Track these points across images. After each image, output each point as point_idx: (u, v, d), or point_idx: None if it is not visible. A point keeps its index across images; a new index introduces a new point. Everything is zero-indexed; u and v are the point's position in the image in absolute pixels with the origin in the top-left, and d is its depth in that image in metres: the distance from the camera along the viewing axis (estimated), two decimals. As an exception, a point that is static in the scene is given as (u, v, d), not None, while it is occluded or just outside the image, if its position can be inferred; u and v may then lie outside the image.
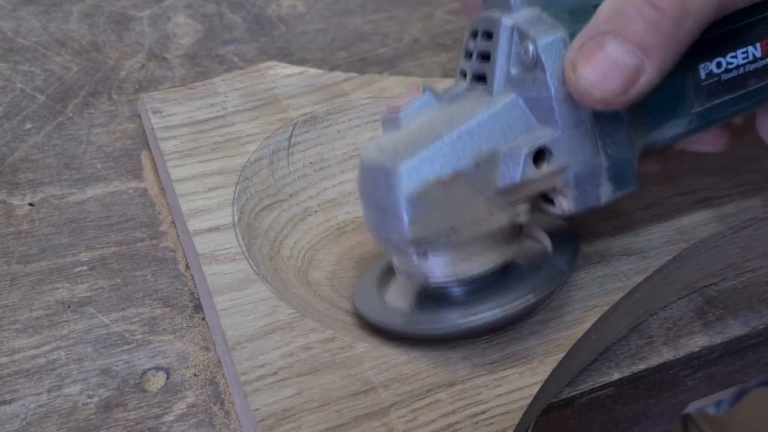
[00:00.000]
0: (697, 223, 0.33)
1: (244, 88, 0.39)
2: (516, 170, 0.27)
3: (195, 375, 0.31)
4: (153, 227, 0.36)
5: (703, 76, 0.28)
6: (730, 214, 0.34)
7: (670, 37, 0.24)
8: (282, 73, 0.40)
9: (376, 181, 0.27)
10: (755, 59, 0.28)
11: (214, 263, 0.31)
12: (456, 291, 0.29)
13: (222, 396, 0.30)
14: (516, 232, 0.30)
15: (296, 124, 0.37)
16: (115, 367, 0.31)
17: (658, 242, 0.33)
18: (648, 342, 0.33)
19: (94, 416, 0.29)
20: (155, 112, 0.37)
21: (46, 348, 0.31)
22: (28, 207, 0.37)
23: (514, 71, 0.27)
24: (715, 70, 0.28)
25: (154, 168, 0.39)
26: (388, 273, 0.32)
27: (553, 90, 0.26)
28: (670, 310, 0.35)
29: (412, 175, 0.26)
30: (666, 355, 0.33)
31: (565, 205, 0.28)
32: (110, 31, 0.48)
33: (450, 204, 0.27)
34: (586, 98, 0.25)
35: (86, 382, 0.30)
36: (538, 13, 0.27)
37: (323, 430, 0.26)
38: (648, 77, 0.24)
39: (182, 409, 0.30)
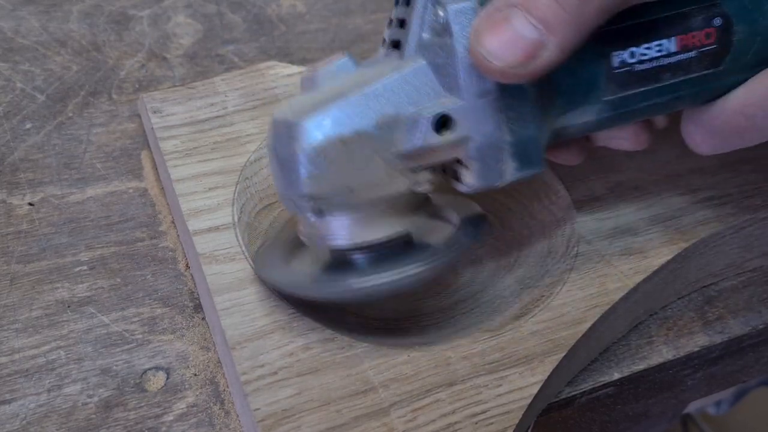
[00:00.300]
0: (697, 223, 0.33)
1: (244, 88, 0.39)
2: (417, 135, 0.27)
3: (195, 375, 0.31)
4: (153, 227, 0.36)
5: (615, 64, 0.28)
6: (730, 214, 0.34)
7: (575, 15, 0.24)
8: (282, 73, 0.40)
9: (280, 136, 0.27)
10: (669, 53, 0.28)
11: (214, 263, 0.31)
12: (357, 258, 0.29)
13: (222, 396, 0.30)
14: (420, 204, 0.30)
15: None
16: (115, 367, 0.31)
17: (658, 242, 0.33)
18: (648, 342, 0.33)
19: (94, 416, 0.29)
20: (155, 112, 0.37)
21: (46, 348, 0.31)
22: (28, 207, 0.37)
23: (425, 36, 0.27)
24: (628, 60, 0.28)
25: (154, 168, 0.39)
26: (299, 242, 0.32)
27: (458, 57, 0.26)
28: (670, 310, 0.35)
29: (313, 130, 0.26)
30: (666, 355, 0.33)
31: (468, 179, 0.28)
32: (110, 30, 0.48)
33: (349, 163, 0.27)
34: (485, 67, 0.25)
35: (86, 381, 0.30)
36: None
37: (323, 430, 0.26)
38: (549, 53, 0.25)
39: (182, 409, 0.30)
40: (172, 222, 0.37)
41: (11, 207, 0.37)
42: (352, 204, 0.28)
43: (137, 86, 0.44)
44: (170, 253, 0.35)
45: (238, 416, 0.30)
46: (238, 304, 0.30)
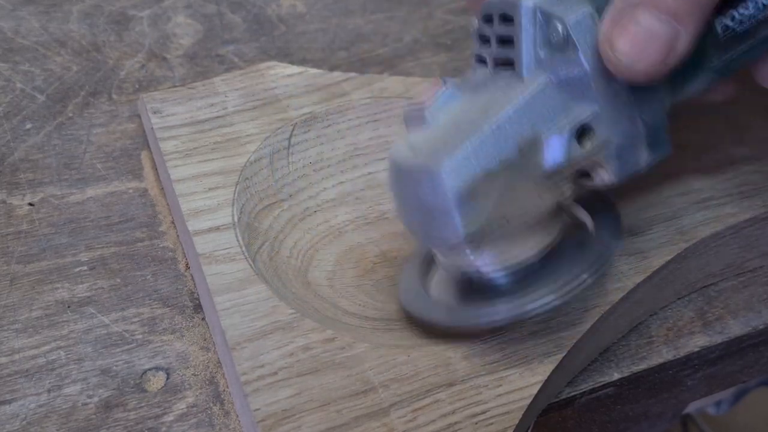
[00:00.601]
0: (697, 223, 0.33)
1: (244, 88, 0.39)
2: (561, 151, 0.27)
3: (195, 375, 0.31)
4: (153, 227, 0.36)
5: (720, 31, 0.28)
6: (730, 214, 0.34)
7: (699, 1, 0.24)
8: (282, 73, 0.40)
9: (416, 184, 0.26)
10: (764, 7, 0.29)
11: (213, 263, 0.31)
12: (502, 280, 0.29)
13: (222, 396, 0.30)
14: (558, 211, 0.29)
15: (296, 124, 0.37)
16: (115, 367, 0.31)
17: (658, 242, 0.33)
18: (648, 342, 0.33)
19: (94, 416, 0.29)
20: (155, 112, 0.37)
21: (46, 348, 0.31)
22: (28, 207, 0.37)
23: (542, 53, 0.27)
24: (730, 24, 0.28)
25: (154, 168, 0.39)
26: (426, 266, 0.32)
27: (587, 67, 0.26)
28: (670, 310, 0.35)
29: (457, 174, 0.26)
30: (666, 355, 0.33)
31: (605, 176, 0.28)
32: (110, 31, 0.48)
33: (499, 195, 0.26)
34: (628, 74, 0.25)
35: (86, 382, 0.30)
36: None
37: (323, 430, 0.26)
38: (683, 43, 0.25)
39: (182, 409, 0.30)
40: (172, 222, 0.37)
41: (11, 207, 0.37)
42: (507, 231, 0.27)
43: (137, 86, 0.44)
44: (170, 253, 0.35)
45: (238, 416, 0.30)
46: (238, 304, 0.30)
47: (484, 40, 0.29)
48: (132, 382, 0.30)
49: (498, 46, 0.28)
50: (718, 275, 0.36)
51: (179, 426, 0.29)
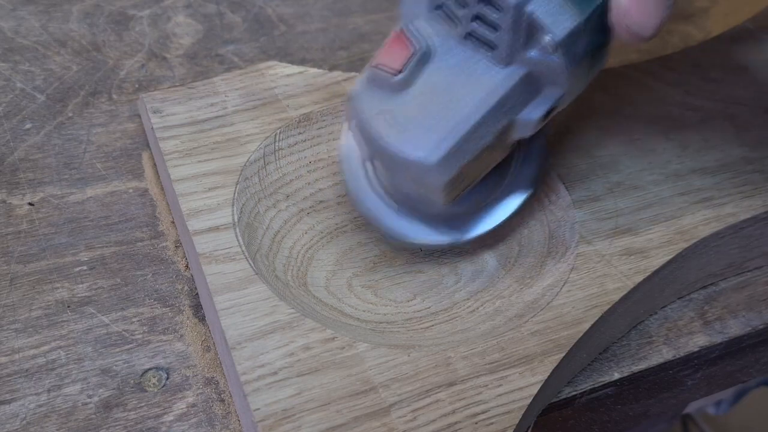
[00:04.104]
0: (697, 223, 0.33)
1: (244, 88, 0.39)
2: (530, 129, 0.29)
3: (195, 375, 0.31)
4: (153, 227, 0.36)
5: None
6: (730, 214, 0.34)
7: None
8: (282, 73, 0.40)
9: (403, 166, 0.29)
10: None
11: (214, 263, 0.31)
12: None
13: (222, 396, 0.30)
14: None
15: (295, 123, 0.37)
16: (115, 367, 0.31)
17: (658, 242, 0.33)
18: (648, 342, 0.33)
19: (93, 416, 0.29)
20: (155, 112, 0.37)
21: (46, 348, 0.31)
22: (28, 207, 0.37)
23: (525, 51, 0.28)
24: None
25: (154, 168, 0.39)
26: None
27: (567, 71, 0.27)
28: (670, 310, 0.35)
29: (447, 167, 0.28)
30: (666, 355, 0.33)
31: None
32: (110, 30, 0.48)
33: (476, 167, 0.30)
34: (638, 39, 0.27)
35: (86, 381, 0.30)
36: None
37: (323, 430, 0.26)
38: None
39: (182, 409, 0.30)
40: (172, 222, 0.37)
41: (11, 207, 0.37)
42: (472, 184, 0.31)
43: (137, 86, 0.44)
44: (170, 253, 0.35)
45: (238, 416, 0.30)
46: (238, 304, 0.30)
47: (461, 3, 0.29)
48: (132, 381, 0.30)
49: (483, 26, 0.28)
50: (718, 275, 0.36)
51: (179, 426, 0.29)
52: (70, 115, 0.42)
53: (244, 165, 0.35)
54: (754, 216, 0.34)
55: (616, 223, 0.33)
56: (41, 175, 0.38)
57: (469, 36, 0.29)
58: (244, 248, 0.32)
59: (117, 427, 0.29)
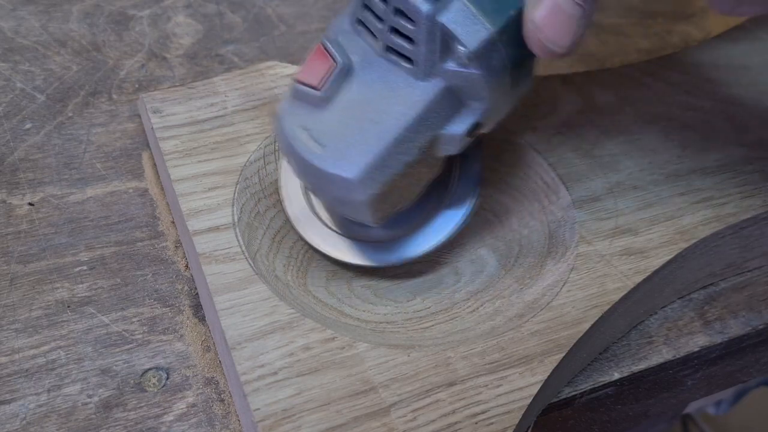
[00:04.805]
0: (697, 223, 0.33)
1: (244, 88, 0.39)
2: (456, 145, 0.29)
3: (195, 375, 0.31)
4: (153, 227, 0.36)
5: None
6: (730, 214, 0.34)
7: None
8: (282, 73, 0.40)
9: (328, 182, 0.28)
10: None
11: (214, 263, 0.31)
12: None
13: (222, 396, 0.30)
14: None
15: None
16: (114, 367, 0.31)
17: (658, 242, 0.33)
18: (648, 342, 0.33)
19: (93, 416, 0.29)
20: (155, 112, 0.37)
21: (46, 348, 0.31)
22: (28, 207, 0.37)
23: (442, 63, 0.28)
24: None
25: (154, 168, 0.39)
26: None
27: (486, 83, 0.27)
28: (670, 310, 0.35)
29: (371, 182, 0.28)
30: (666, 355, 0.33)
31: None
32: (110, 30, 0.48)
33: (403, 185, 0.29)
34: (549, 55, 0.27)
35: (86, 382, 0.30)
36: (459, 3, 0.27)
37: (323, 430, 0.26)
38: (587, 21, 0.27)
39: (182, 409, 0.30)
40: (172, 222, 0.37)
41: (11, 207, 0.37)
42: (403, 201, 0.31)
43: (137, 86, 0.44)
44: (170, 253, 0.35)
45: (238, 416, 0.30)
46: (238, 304, 0.30)
47: (376, 16, 0.29)
48: (132, 381, 0.31)
49: (396, 37, 0.28)
50: (718, 275, 0.36)
51: (179, 426, 0.29)
52: (70, 115, 0.42)
53: (244, 165, 0.35)
54: (754, 216, 0.34)
55: (616, 223, 0.33)
56: (41, 175, 0.38)
57: (390, 49, 0.29)
58: (244, 248, 0.32)
59: (117, 427, 0.29)
